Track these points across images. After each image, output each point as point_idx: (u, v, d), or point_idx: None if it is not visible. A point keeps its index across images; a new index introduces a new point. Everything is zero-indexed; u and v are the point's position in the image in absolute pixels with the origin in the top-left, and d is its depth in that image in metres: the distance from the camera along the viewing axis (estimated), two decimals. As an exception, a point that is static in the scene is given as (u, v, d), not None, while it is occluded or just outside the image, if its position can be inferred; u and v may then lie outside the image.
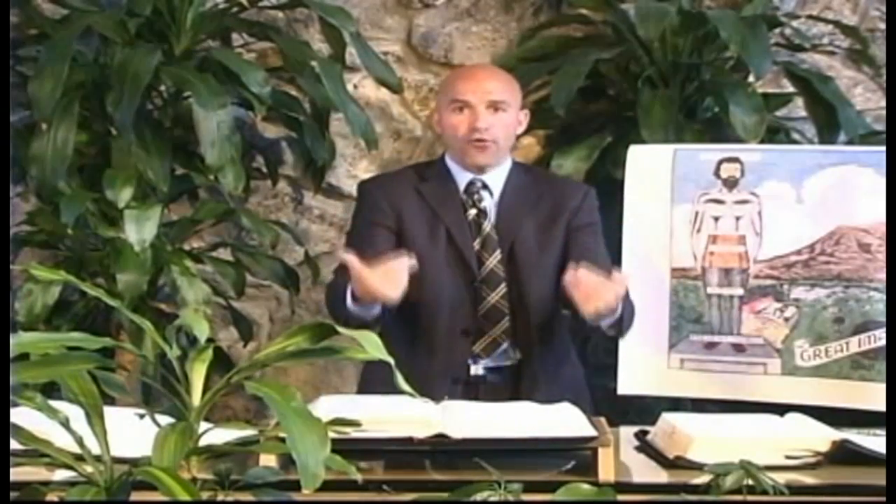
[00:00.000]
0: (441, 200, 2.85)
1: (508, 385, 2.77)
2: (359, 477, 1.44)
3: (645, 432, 2.24)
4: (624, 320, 2.71)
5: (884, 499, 1.73)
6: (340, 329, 1.47)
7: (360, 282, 2.51)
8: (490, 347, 2.79)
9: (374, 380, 2.69)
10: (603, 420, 2.12)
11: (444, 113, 2.86)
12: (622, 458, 2.12)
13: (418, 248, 2.74)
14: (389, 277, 2.51)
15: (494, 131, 2.80)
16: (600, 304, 2.52)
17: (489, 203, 2.85)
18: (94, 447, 1.46)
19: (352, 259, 2.51)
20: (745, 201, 2.91)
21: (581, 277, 2.53)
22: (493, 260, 2.80)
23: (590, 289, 2.52)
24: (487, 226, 2.83)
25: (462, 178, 2.87)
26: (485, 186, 2.86)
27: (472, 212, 2.84)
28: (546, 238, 2.83)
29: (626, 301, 2.68)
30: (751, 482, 1.72)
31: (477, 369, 2.79)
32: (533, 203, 2.86)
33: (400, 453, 2.00)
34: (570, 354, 2.93)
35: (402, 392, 1.49)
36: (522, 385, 2.76)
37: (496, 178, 2.87)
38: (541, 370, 2.79)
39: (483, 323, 2.79)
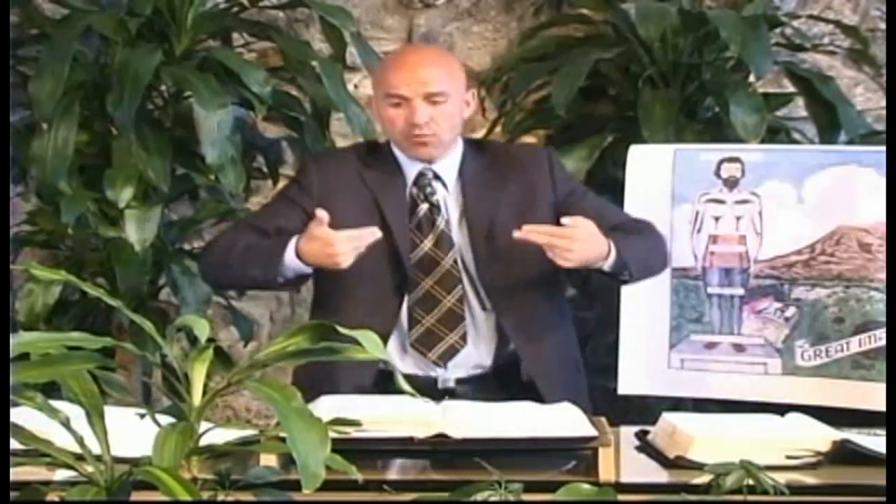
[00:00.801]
0: (386, 193, 2.65)
1: (486, 396, 2.44)
2: (359, 477, 1.44)
3: (645, 432, 2.24)
4: (629, 263, 2.54)
5: (884, 499, 1.72)
6: (341, 329, 1.47)
7: (320, 241, 2.41)
8: (447, 354, 2.61)
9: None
10: (603, 420, 2.12)
11: (380, 106, 2.64)
12: (623, 458, 2.12)
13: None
14: (353, 244, 2.41)
15: (435, 125, 2.59)
16: (566, 253, 2.42)
17: (442, 195, 2.66)
18: (95, 447, 1.46)
19: (323, 216, 2.42)
20: (745, 201, 2.91)
21: (531, 237, 2.42)
22: (449, 260, 2.63)
23: (548, 243, 2.42)
24: (441, 222, 2.65)
25: (410, 168, 2.67)
26: (436, 177, 2.67)
27: (424, 206, 2.65)
28: (528, 217, 2.57)
29: (626, 241, 2.54)
30: (751, 482, 1.72)
31: (446, 382, 2.63)
32: (498, 183, 2.67)
33: (400, 453, 2.00)
34: (572, 354, 2.77)
35: (402, 392, 1.50)
36: (506, 393, 2.47)
37: (448, 166, 2.68)
38: (536, 374, 2.62)
39: (438, 329, 2.61)
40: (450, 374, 2.64)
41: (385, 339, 2.55)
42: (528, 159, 2.76)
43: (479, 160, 2.71)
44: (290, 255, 2.49)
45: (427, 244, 2.64)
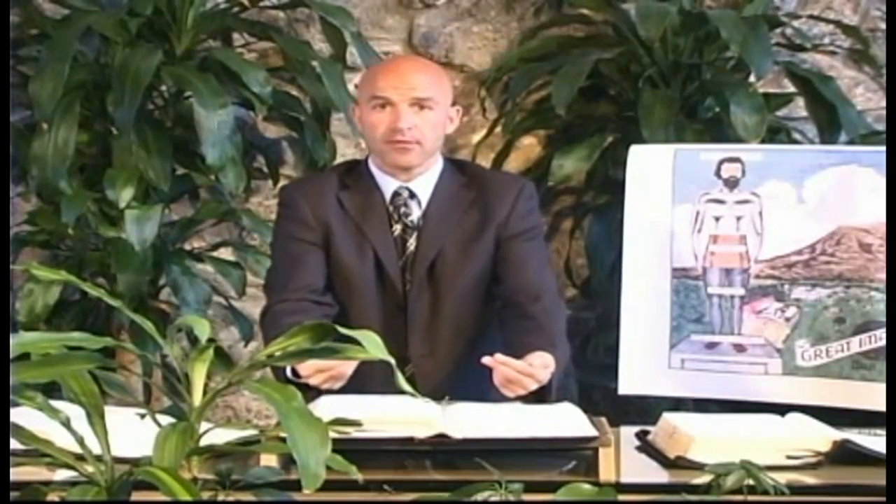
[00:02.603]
0: (364, 213, 2.59)
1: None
2: (359, 477, 1.44)
3: (646, 432, 2.24)
4: (550, 390, 2.38)
5: (884, 499, 1.72)
6: (341, 329, 1.47)
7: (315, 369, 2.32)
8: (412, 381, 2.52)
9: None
10: (604, 420, 2.12)
11: (364, 110, 2.58)
12: (623, 458, 2.12)
13: (347, 268, 2.57)
14: (335, 377, 2.33)
15: (418, 132, 2.53)
16: (519, 391, 2.31)
17: (417, 215, 2.60)
18: (95, 447, 1.46)
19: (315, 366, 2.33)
20: (745, 201, 2.91)
21: (499, 368, 2.29)
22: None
23: (510, 377, 2.29)
24: (413, 243, 2.59)
25: (387, 185, 2.60)
26: (412, 195, 2.60)
27: (398, 227, 2.59)
28: (474, 249, 2.58)
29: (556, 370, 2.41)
30: (752, 482, 1.72)
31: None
32: (462, 212, 2.60)
33: (401, 453, 2.00)
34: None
35: (402, 392, 1.49)
36: None
37: (424, 184, 2.61)
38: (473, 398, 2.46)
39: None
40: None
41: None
42: (499, 187, 2.67)
43: (455, 182, 2.65)
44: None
45: (398, 265, 2.59)
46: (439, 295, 2.58)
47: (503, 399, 2.36)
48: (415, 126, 2.54)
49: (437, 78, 2.64)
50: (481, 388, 2.41)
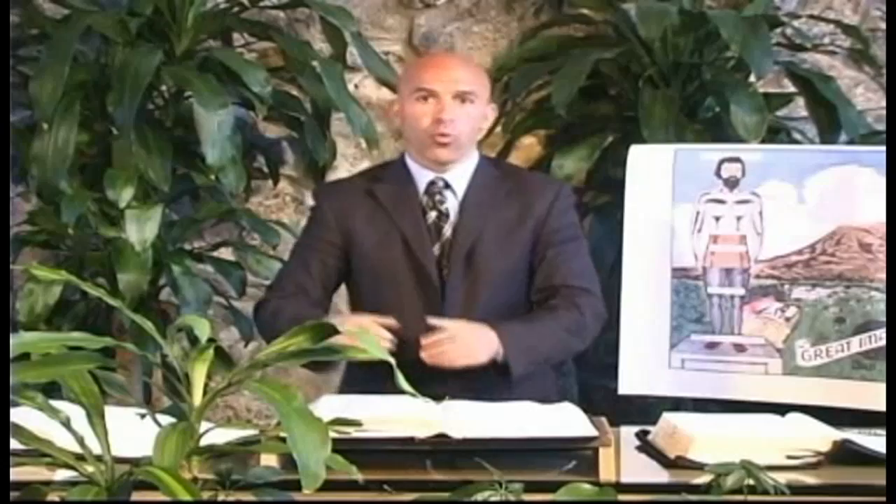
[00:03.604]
0: (396, 203, 2.68)
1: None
2: (359, 477, 1.44)
3: (646, 432, 2.24)
4: (512, 363, 2.50)
5: (884, 499, 1.72)
6: (341, 329, 1.47)
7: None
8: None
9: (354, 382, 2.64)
10: (604, 420, 2.12)
11: (406, 102, 2.67)
12: (623, 458, 2.12)
13: (369, 256, 2.66)
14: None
15: (459, 124, 2.62)
16: (442, 358, 2.43)
17: (452, 204, 2.68)
18: (95, 447, 1.46)
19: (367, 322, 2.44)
20: (746, 201, 2.90)
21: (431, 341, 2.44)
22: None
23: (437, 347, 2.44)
24: (448, 229, 2.67)
25: (422, 177, 2.69)
26: (447, 186, 2.69)
27: (433, 214, 2.68)
28: (510, 242, 2.67)
29: (530, 330, 2.57)
30: (752, 482, 1.72)
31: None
32: (499, 202, 2.68)
33: (401, 453, 2.00)
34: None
35: (402, 392, 1.49)
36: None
37: (460, 175, 2.70)
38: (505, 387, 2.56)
39: None
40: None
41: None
42: (537, 187, 2.77)
43: (491, 175, 2.74)
44: None
45: (435, 252, 2.66)
46: (476, 283, 2.65)
47: (531, 390, 2.46)
48: (457, 118, 2.62)
49: (478, 74, 2.75)
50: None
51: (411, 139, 2.71)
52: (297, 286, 2.69)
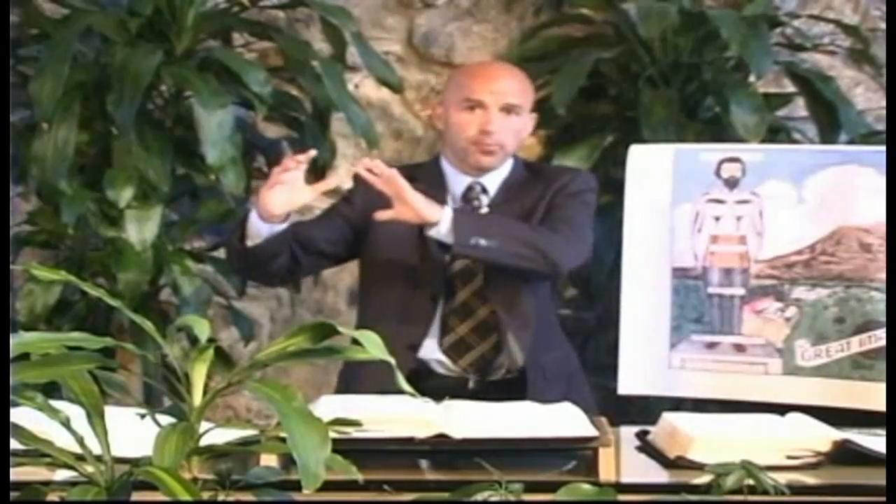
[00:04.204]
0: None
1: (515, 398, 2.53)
2: (359, 477, 1.44)
3: (646, 432, 2.24)
4: (464, 235, 2.57)
5: (884, 499, 1.72)
6: (341, 329, 1.47)
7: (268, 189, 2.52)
8: (477, 363, 2.71)
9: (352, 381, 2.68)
10: (604, 420, 2.12)
11: (452, 110, 2.74)
12: (623, 458, 2.12)
13: (384, 250, 2.70)
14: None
15: (503, 136, 2.70)
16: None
17: (485, 206, 2.77)
18: (95, 447, 1.46)
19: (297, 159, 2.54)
20: (745, 201, 2.90)
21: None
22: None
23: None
24: None
25: (458, 181, 2.76)
26: (484, 190, 2.77)
27: None
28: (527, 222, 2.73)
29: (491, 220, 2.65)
30: (752, 482, 1.72)
31: (473, 384, 2.71)
32: (524, 195, 2.76)
33: (401, 453, 2.00)
34: (570, 369, 2.86)
35: (402, 392, 1.49)
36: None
37: (495, 180, 2.78)
38: (539, 379, 2.72)
39: (470, 338, 2.71)
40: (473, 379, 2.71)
41: (420, 341, 2.67)
42: (558, 173, 2.86)
43: (522, 176, 2.79)
44: (255, 223, 2.57)
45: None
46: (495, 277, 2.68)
47: (544, 392, 2.54)
48: (502, 130, 2.69)
49: (526, 85, 2.80)
50: (535, 366, 2.68)
51: (453, 145, 2.76)
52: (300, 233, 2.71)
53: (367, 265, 2.81)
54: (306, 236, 2.71)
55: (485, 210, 2.75)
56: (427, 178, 2.76)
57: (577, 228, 2.76)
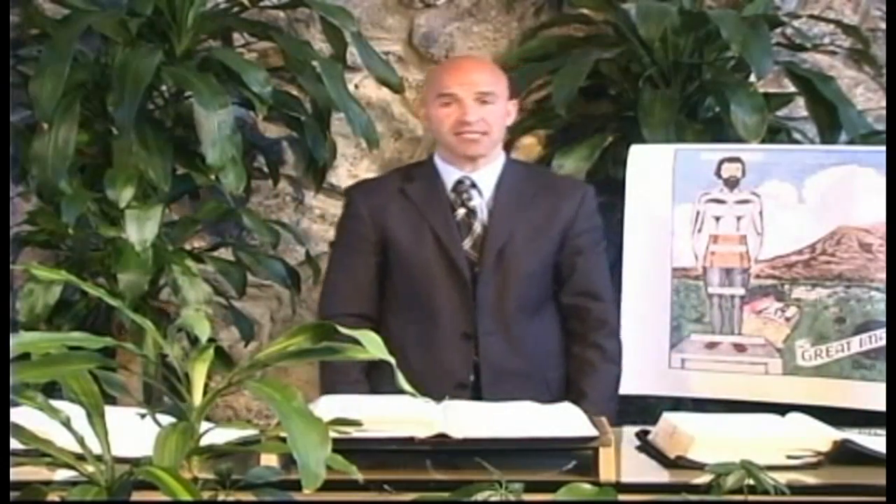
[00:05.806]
0: (426, 200, 2.82)
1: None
2: (359, 477, 1.44)
3: (646, 432, 2.24)
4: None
5: (884, 499, 1.72)
6: (341, 329, 1.47)
7: None
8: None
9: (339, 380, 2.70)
10: (604, 420, 2.12)
11: (431, 107, 2.83)
12: (623, 458, 2.12)
13: (404, 252, 2.78)
14: None
15: (485, 123, 2.77)
16: None
17: (479, 202, 2.82)
18: (96, 447, 1.46)
19: None
20: (746, 201, 2.91)
21: None
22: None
23: None
24: (478, 226, 2.81)
25: (450, 176, 2.84)
26: (473, 185, 2.83)
27: (461, 211, 2.82)
28: (539, 242, 2.81)
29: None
30: (752, 482, 1.72)
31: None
32: (527, 203, 2.82)
33: (401, 453, 2.00)
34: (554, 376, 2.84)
35: (402, 392, 1.49)
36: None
37: (487, 175, 2.83)
38: (536, 374, 2.77)
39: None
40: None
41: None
42: (564, 188, 2.92)
43: (519, 177, 2.87)
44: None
45: (466, 245, 2.79)
46: (507, 280, 2.78)
47: (560, 391, 2.64)
48: (481, 118, 2.77)
49: (495, 75, 2.88)
50: (543, 366, 2.78)
51: (441, 140, 2.85)
52: (347, 310, 2.76)
53: (389, 276, 2.87)
54: (372, 292, 2.83)
55: (480, 211, 2.81)
56: (423, 176, 2.87)
57: (611, 293, 2.88)
